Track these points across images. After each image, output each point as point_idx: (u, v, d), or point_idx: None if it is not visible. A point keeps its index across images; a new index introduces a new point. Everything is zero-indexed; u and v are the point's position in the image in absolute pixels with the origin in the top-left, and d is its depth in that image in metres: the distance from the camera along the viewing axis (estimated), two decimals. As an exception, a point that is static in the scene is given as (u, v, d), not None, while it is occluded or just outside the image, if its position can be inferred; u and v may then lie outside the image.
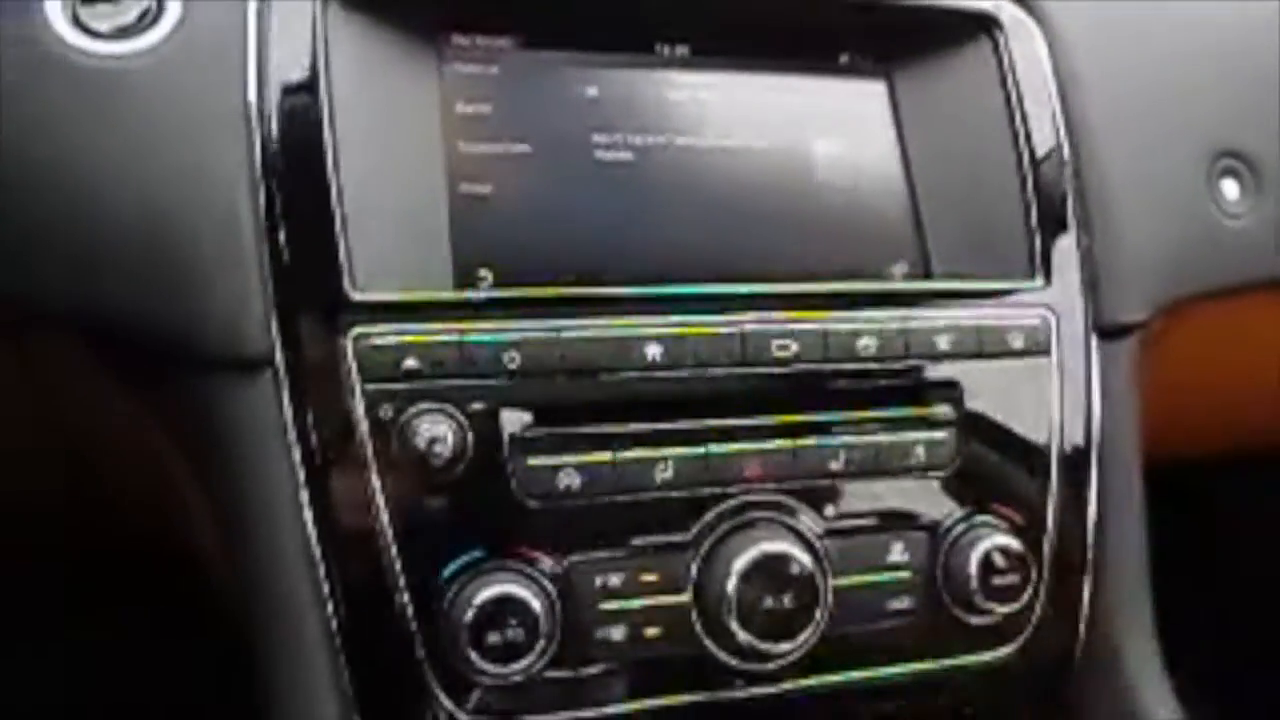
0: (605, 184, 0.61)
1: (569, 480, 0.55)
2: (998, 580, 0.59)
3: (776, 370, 0.59)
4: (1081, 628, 0.64)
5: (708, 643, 0.56)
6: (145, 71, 0.53)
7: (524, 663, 0.52)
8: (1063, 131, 0.67)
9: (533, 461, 0.54)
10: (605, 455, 0.55)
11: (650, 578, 0.55)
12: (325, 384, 0.53)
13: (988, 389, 0.62)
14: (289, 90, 0.55)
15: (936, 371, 0.62)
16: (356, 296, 0.54)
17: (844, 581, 0.58)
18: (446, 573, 0.53)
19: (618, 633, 0.55)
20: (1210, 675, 0.84)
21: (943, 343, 0.61)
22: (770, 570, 0.55)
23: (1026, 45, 0.68)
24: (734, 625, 0.55)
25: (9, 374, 0.59)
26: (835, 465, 0.59)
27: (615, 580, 0.55)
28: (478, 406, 0.54)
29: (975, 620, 0.60)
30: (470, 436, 0.53)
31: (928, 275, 0.65)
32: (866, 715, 0.61)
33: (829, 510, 0.59)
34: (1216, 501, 1.08)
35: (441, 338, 0.54)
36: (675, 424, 0.57)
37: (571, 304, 0.56)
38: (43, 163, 0.52)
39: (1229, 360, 0.80)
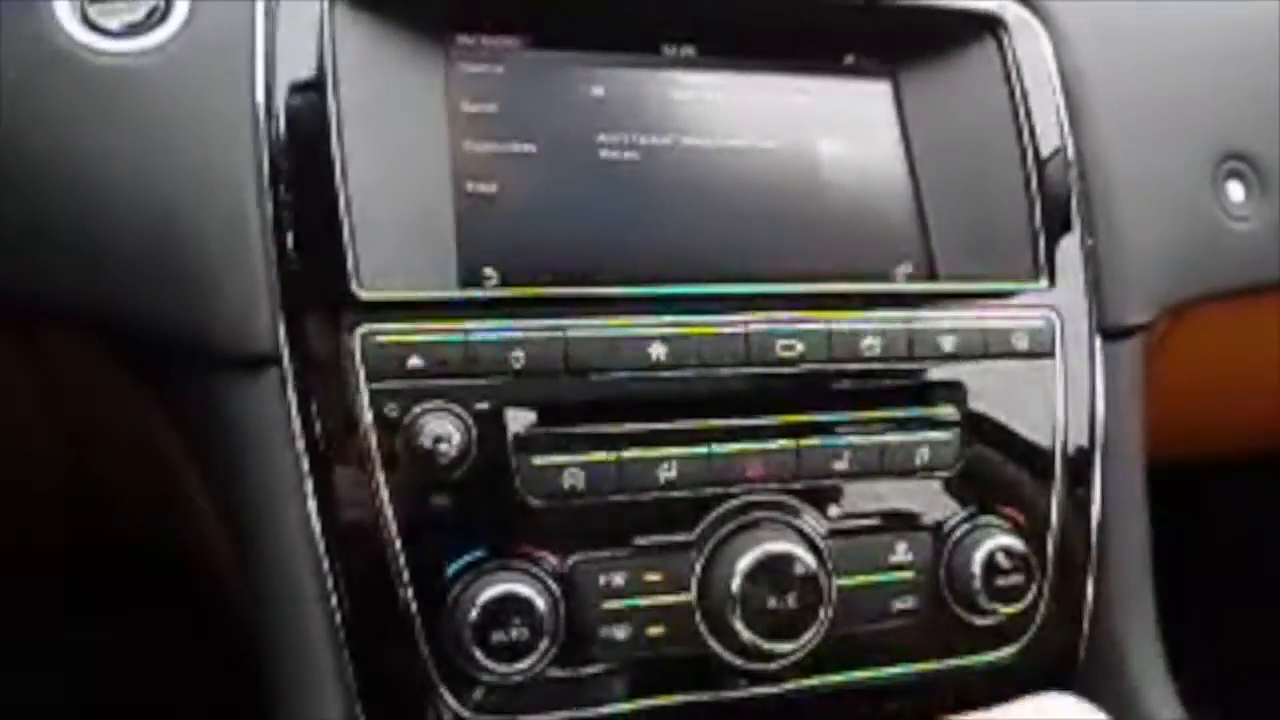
0: (611, 184, 0.61)
1: (573, 479, 0.55)
2: (1001, 581, 0.59)
3: (781, 370, 0.59)
4: (1085, 628, 0.64)
5: (711, 642, 0.56)
6: (153, 69, 0.53)
7: (528, 661, 0.52)
8: (1067, 133, 0.67)
9: (537, 460, 0.54)
10: (609, 455, 0.55)
11: (654, 577, 0.56)
12: (331, 382, 0.53)
13: (992, 390, 0.62)
14: (296, 88, 0.55)
15: (941, 372, 0.62)
16: (363, 295, 0.54)
17: (848, 581, 0.58)
18: (451, 571, 0.53)
19: (621, 632, 0.55)
20: (1214, 677, 0.84)
21: (947, 343, 0.61)
22: (774, 570, 0.55)
23: (1031, 46, 0.68)
24: (738, 625, 0.55)
25: (17, 371, 0.59)
26: (839, 465, 0.59)
27: (619, 579, 0.55)
28: (482, 405, 0.54)
29: (979, 620, 0.60)
30: (475, 435, 0.53)
31: (932, 276, 0.65)
32: (870, 715, 0.61)
33: (833, 510, 0.59)
34: (1221, 503, 1.08)
35: (447, 337, 0.54)
36: (679, 424, 0.57)
37: (576, 303, 0.57)
38: (52, 160, 0.52)
39: (1233, 362, 0.80)
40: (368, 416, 0.53)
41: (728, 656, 0.56)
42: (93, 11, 0.53)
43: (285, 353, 0.53)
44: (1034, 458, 0.63)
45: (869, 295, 0.62)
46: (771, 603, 0.55)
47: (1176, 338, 0.72)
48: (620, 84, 0.63)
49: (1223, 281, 0.71)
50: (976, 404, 0.62)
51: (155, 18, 0.54)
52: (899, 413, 0.61)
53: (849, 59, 0.68)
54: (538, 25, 0.62)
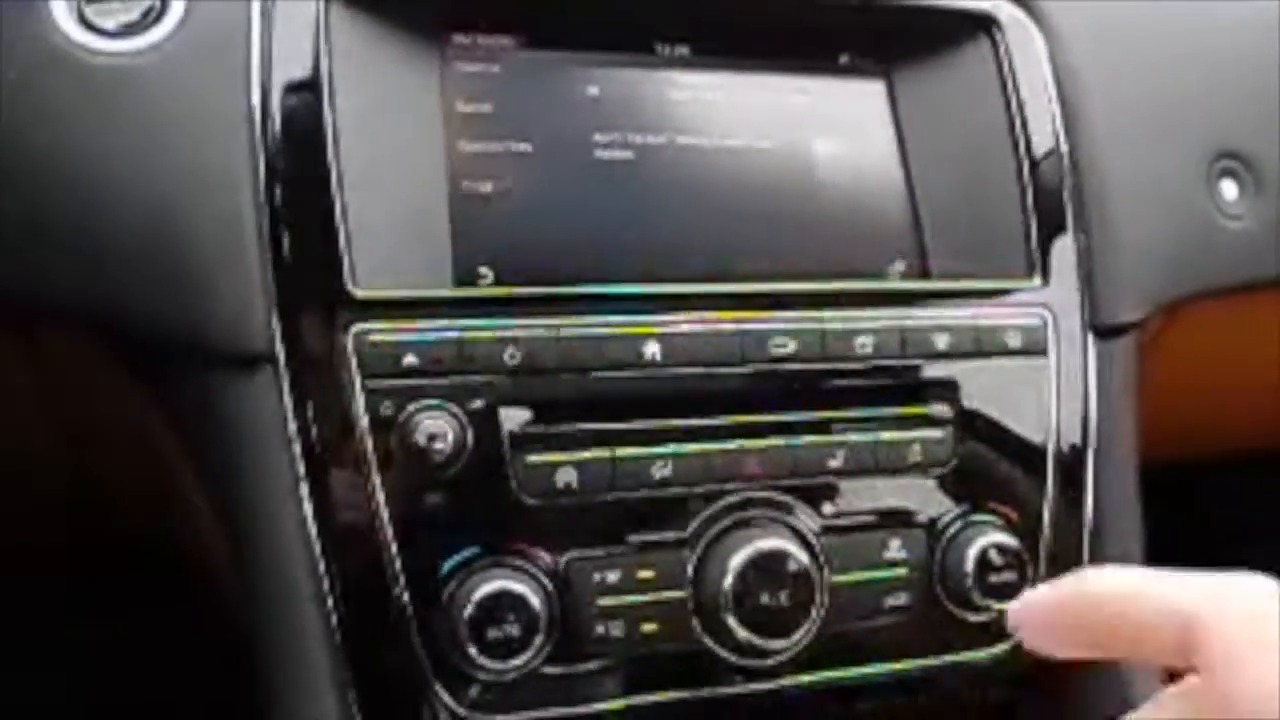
0: (606, 183, 0.61)
1: (567, 477, 0.55)
2: (994, 577, 0.59)
3: (774, 369, 0.59)
4: (1078, 625, 0.64)
5: (705, 639, 0.56)
6: (149, 68, 0.53)
7: (522, 658, 0.53)
8: (1061, 131, 0.68)
9: (531, 458, 0.55)
10: (603, 453, 0.56)
11: (648, 574, 0.56)
12: (326, 380, 0.53)
13: (985, 388, 0.62)
14: (291, 88, 0.55)
15: (934, 370, 0.62)
16: (358, 294, 0.54)
17: (841, 578, 0.58)
18: (445, 569, 0.53)
19: (615, 629, 0.55)
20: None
21: (940, 342, 0.62)
22: (768, 567, 0.55)
23: (1026, 45, 0.68)
24: (731, 622, 0.55)
25: (15, 371, 0.59)
26: (833, 463, 0.59)
27: (613, 577, 0.55)
28: (477, 404, 0.54)
29: (972, 617, 0.60)
30: (469, 433, 0.54)
31: (926, 274, 0.65)
32: (863, 711, 0.61)
33: (826, 508, 0.59)
34: (1215, 501, 1.08)
35: (441, 335, 0.54)
36: (673, 422, 0.57)
37: (571, 302, 0.57)
38: (49, 159, 0.52)
39: (1227, 360, 0.80)
40: (362, 415, 0.53)
41: (722, 653, 0.56)
42: (89, 11, 0.54)
43: (280, 351, 0.53)
44: (1027, 455, 0.63)
45: (863, 294, 0.62)
46: (765, 599, 0.55)
47: (1171, 336, 0.72)
48: (615, 83, 0.63)
49: (1216, 280, 0.72)
50: (970, 402, 0.62)
51: (151, 17, 0.54)
52: (892, 410, 0.61)
53: (844, 58, 0.68)
54: (533, 25, 0.62)
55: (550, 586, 0.54)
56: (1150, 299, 0.68)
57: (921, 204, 0.66)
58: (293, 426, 0.53)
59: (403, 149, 0.58)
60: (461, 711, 0.54)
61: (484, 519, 0.54)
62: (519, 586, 0.53)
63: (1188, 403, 0.79)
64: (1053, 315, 0.65)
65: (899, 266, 0.65)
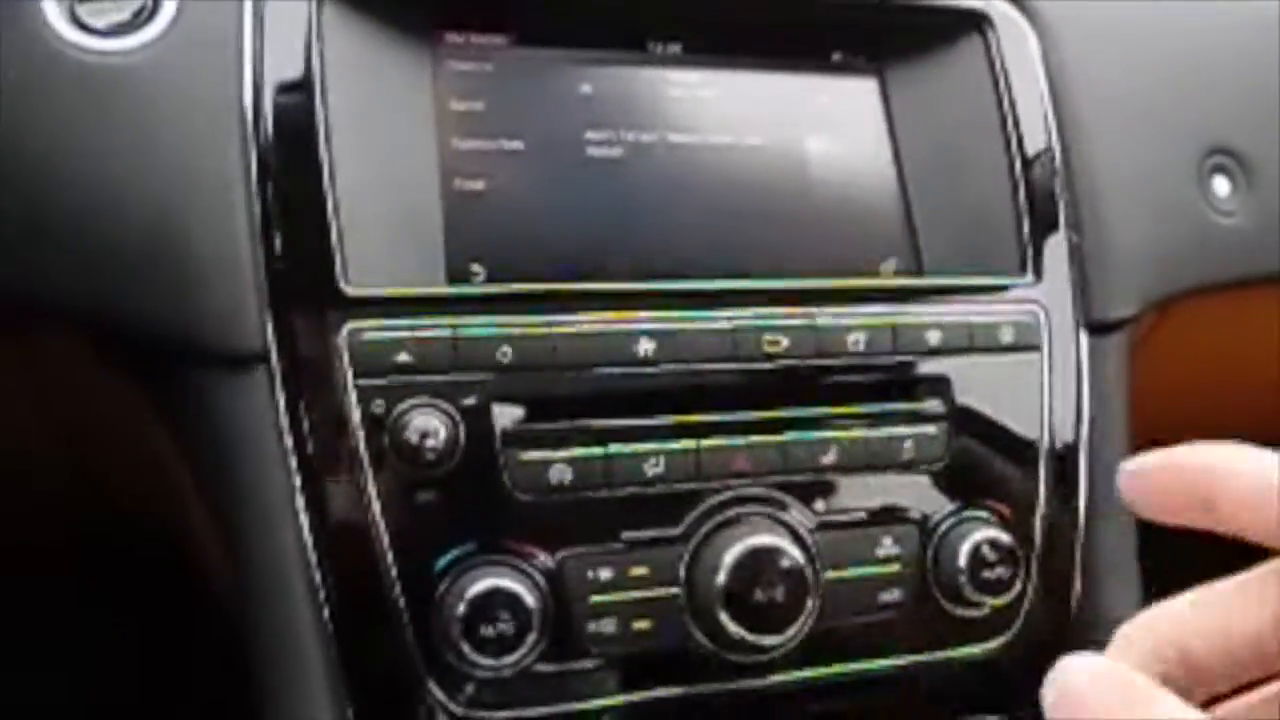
0: (598, 180, 0.62)
1: (560, 474, 0.55)
2: (987, 573, 0.59)
3: (767, 365, 0.59)
4: (1071, 621, 0.64)
5: (698, 636, 0.56)
6: (141, 68, 0.53)
7: (515, 655, 0.53)
8: (1053, 128, 0.68)
9: (524, 456, 0.55)
10: (596, 450, 0.56)
11: (641, 571, 0.56)
12: (319, 379, 0.53)
13: (978, 384, 0.62)
14: (283, 87, 0.55)
15: (927, 367, 0.62)
16: (350, 292, 0.54)
17: (834, 574, 0.58)
18: (438, 566, 0.53)
19: (609, 626, 0.55)
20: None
21: (933, 338, 0.62)
22: (761, 564, 0.55)
23: (1018, 42, 0.69)
24: (725, 618, 0.55)
25: (12, 371, 0.59)
26: (826, 460, 0.59)
27: (606, 574, 0.55)
28: (470, 401, 0.54)
29: (965, 613, 0.61)
30: (462, 431, 0.54)
31: (918, 271, 0.65)
32: (857, 707, 0.61)
33: (819, 504, 0.59)
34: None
35: (434, 333, 0.54)
36: (666, 419, 0.57)
37: (564, 299, 0.57)
38: (41, 158, 0.52)
39: (1221, 356, 0.80)
40: (355, 413, 0.53)
41: (715, 650, 0.56)
42: (81, 11, 0.54)
43: (273, 349, 0.53)
44: (1020, 451, 0.63)
45: (855, 290, 0.62)
46: (758, 596, 0.55)
47: (1164, 333, 0.73)
48: (608, 81, 0.63)
49: (1209, 276, 0.72)
50: (963, 398, 0.62)
51: (143, 17, 0.54)
52: (885, 407, 0.61)
53: (836, 56, 0.68)
54: (525, 23, 0.62)
55: (543, 584, 0.54)
56: (1142, 295, 0.69)
57: (914, 201, 0.66)
58: (285, 424, 0.53)
59: (395, 147, 0.58)
60: (455, 709, 0.54)
61: (477, 516, 0.54)
62: (512, 584, 0.53)
63: (1183, 400, 0.78)
64: (1045, 311, 0.65)
65: (891, 263, 0.65)
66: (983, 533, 0.60)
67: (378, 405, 0.53)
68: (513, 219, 0.59)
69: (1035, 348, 0.64)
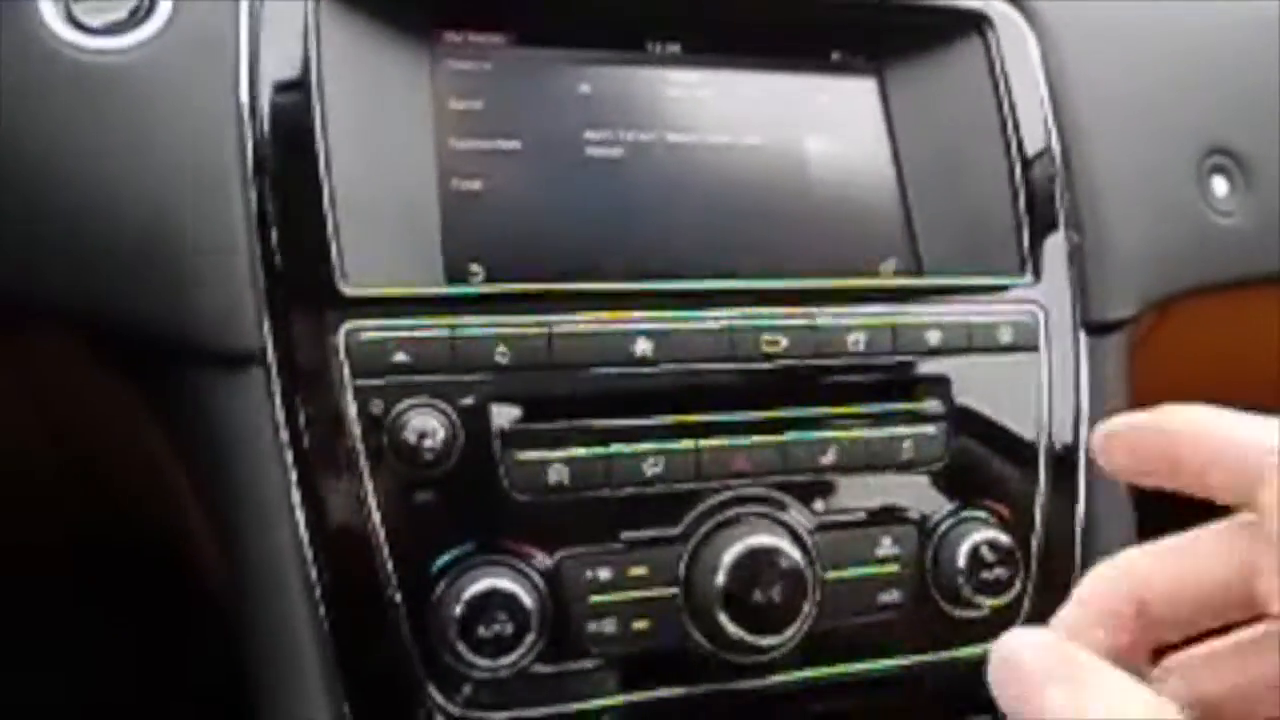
0: (597, 180, 0.61)
1: (558, 475, 0.55)
2: (986, 574, 0.59)
3: (766, 365, 0.59)
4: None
5: (697, 636, 0.56)
6: (137, 67, 0.53)
7: (513, 656, 0.52)
8: (1053, 129, 0.68)
9: (522, 456, 0.55)
10: (595, 450, 0.55)
11: (639, 571, 0.56)
12: (316, 378, 0.53)
13: (977, 384, 0.62)
14: (281, 86, 0.55)
15: (926, 367, 0.62)
16: (348, 292, 0.54)
17: (833, 575, 0.58)
18: (436, 567, 0.53)
19: (607, 626, 0.55)
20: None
21: (932, 338, 0.62)
22: (759, 564, 0.55)
23: (1017, 43, 0.68)
24: (723, 618, 0.55)
25: (6, 371, 0.59)
26: (825, 460, 0.59)
27: (604, 574, 0.55)
28: (468, 401, 0.54)
29: (964, 613, 0.60)
30: (460, 431, 0.53)
31: (918, 271, 0.65)
32: (856, 708, 0.61)
33: (818, 505, 0.59)
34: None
35: (432, 333, 0.54)
36: (665, 419, 0.57)
37: (562, 299, 0.57)
38: (37, 158, 0.52)
39: (1222, 357, 0.80)
40: (352, 413, 0.53)
41: (713, 650, 0.56)
42: (77, 10, 0.53)
43: (270, 349, 0.53)
44: (1019, 451, 0.63)
45: (855, 290, 0.62)
46: (757, 596, 0.55)
47: (1164, 333, 0.73)
48: (607, 81, 0.63)
49: (1208, 276, 0.72)
50: (962, 398, 0.62)
51: (139, 15, 0.54)
52: (884, 407, 0.61)
53: (835, 56, 0.68)
54: (524, 23, 0.62)
55: (541, 584, 0.54)
56: (1142, 296, 0.68)
57: (913, 201, 0.66)
58: (282, 424, 0.53)
59: (393, 147, 0.58)
60: (453, 710, 0.54)
61: (475, 516, 0.54)
62: (510, 584, 0.53)
63: (1182, 400, 0.78)
64: (1044, 312, 0.65)
65: (891, 263, 0.65)
66: (982, 533, 0.60)
67: (375, 405, 0.53)
68: (511, 219, 0.59)
69: (1034, 348, 0.64)
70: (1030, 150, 0.67)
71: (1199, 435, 0.37)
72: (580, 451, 0.55)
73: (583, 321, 0.56)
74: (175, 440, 0.56)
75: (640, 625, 0.55)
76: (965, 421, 0.62)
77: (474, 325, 0.55)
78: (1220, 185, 0.73)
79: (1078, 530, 0.64)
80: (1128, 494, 0.67)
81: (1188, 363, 0.77)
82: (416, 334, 0.54)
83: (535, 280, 0.57)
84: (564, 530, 0.55)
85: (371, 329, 0.53)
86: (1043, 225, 0.66)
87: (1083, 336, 0.66)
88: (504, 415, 0.54)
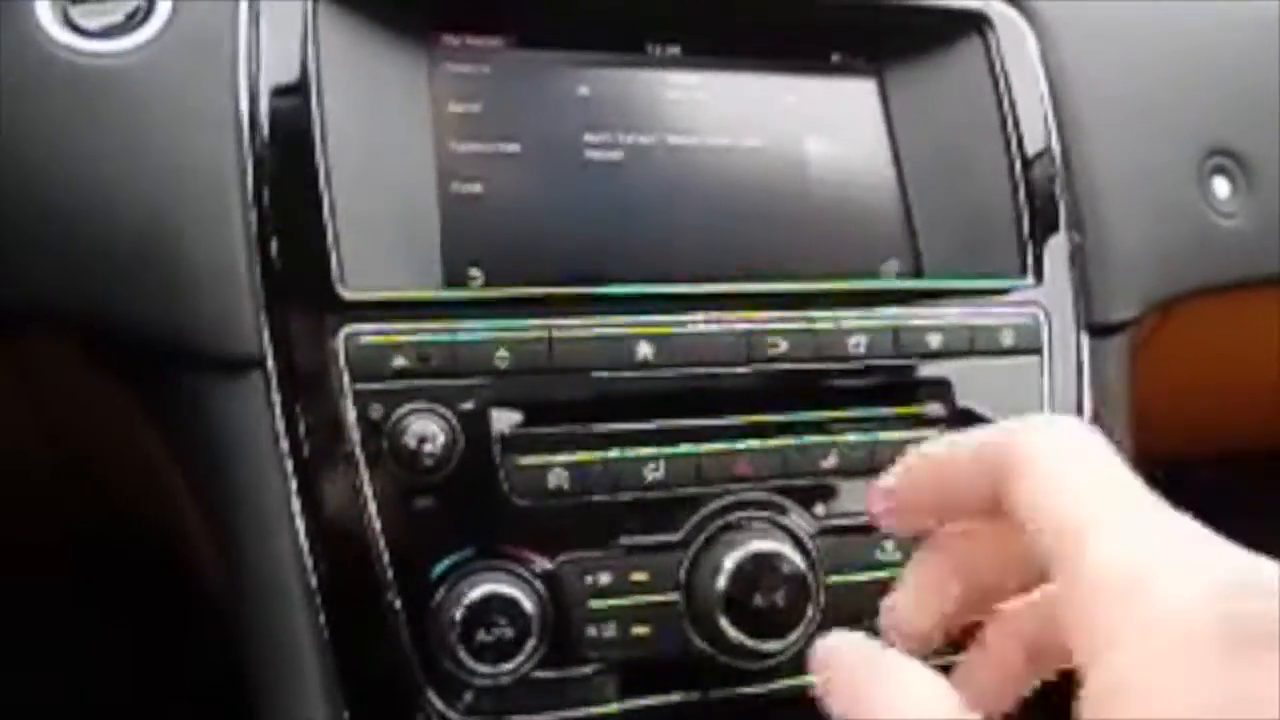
0: (596, 183, 0.61)
1: (559, 479, 0.55)
2: None
3: (767, 369, 0.58)
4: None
5: (698, 641, 0.56)
6: (135, 70, 0.53)
7: (514, 662, 0.52)
8: (1053, 130, 0.67)
9: (522, 461, 0.54)
10: (595, 454, 0.55)
11: (640, 576, 0.55)
12: (315, 383, 0.53)
13: (979, 387, 0.62)
14: (279, 90, 0.55)
15: (927, 370, 0.62)
16: (347, 296, 0.53)
17: (835, 580, 0.58)
18: (436, 572, 0.53)
19: (608, 631, 0.55)
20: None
21: (934, 341, 0.61)
22: (761, 569, 0.55)
23: (1017, 43, 0.68)
24: (724, 624, 0.55)
25: (3, 374, 0.59)
26: (826, 464, 0.59)
27: (605, 579, 0.55)
28: (468, 405, 0.54)
29: (965, 617, 0.60)
30: (460, 435, 0.53)
31: (919, 274, 0.65)
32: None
33: (820, 509, 0.59)
34: (1209, 499, 1.07)
35: (432, 337, 0.54)
36: (666, 423, 0.57)
37: (562, 303, 0.56)
38: (34, 161, 0.52)
39: (1224, 358, 0.80)
40: (351, 417, 0.52)
41: (715, 655, 0.56)
42: (74, 13, 0.53)
43: (269, 354, 0.53)
44: None
45: (856, 293, 0.62)
46: (758, 602, 0.55)
47: (1166, 335, 0.72)
48: (606, 83, 0.63)
49: (1210, 278, 0.71)
50: (964, 401, 0.62)
51: (137, 19, 0.54)
52: (886, 410, 0.61)
53: (835, 57, 0.68)
54: (523, 25, 0.62)
55: (542, 589, 0.54)
56: (1143, 297, 0.68)
57: (914, 203, 0.66)
58: (281, 428, 0.53)
59: (392, 150, 0.57)
60: (453, 716, 0.53)
61: (475, 521, 0.54)
62: (510, 589, 0.52)
63: (1185, 402, 0.78)
64: (1046, 314, 0.64)
65: (892, 265, 0.65)
66: None
67: (375, 409, 0.53)
68: (510, 222, 0.59)
69: (1037, 350, 0.64)
70: (1031, 151, 0.67)
71: (945, 458, 0.41)
72: (581, 456, 0.55)
73: (583, 325, 0.56)
74: (173, 444, 0.56)
75: (641, 630, 0.55)
76: (967, 424, 0.61)
77: (474, 329, 0.54)
78: (1222, 186, 0.72)
79: None
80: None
81: (1189, 364, 0.77)
82: (416, 338, 0.53)
83: (535, 284, 0.57)
84: (564, 535, 0.55)
85: (371, 333, 0.53)
86: (1044, 226, 0.66)
87: (1085, 338, 0.66)
88: (504, 420, 0.54)
